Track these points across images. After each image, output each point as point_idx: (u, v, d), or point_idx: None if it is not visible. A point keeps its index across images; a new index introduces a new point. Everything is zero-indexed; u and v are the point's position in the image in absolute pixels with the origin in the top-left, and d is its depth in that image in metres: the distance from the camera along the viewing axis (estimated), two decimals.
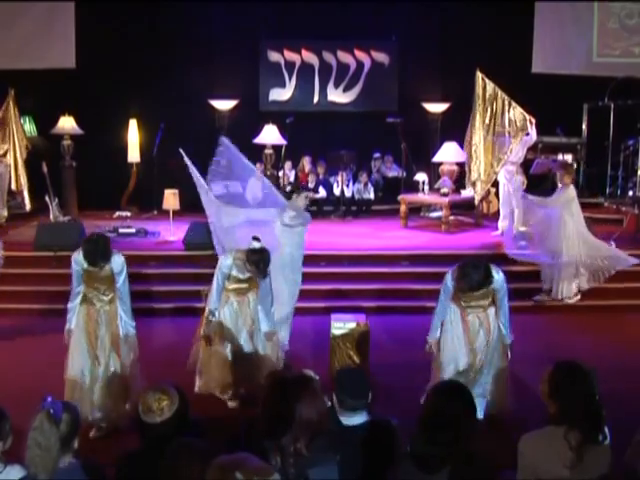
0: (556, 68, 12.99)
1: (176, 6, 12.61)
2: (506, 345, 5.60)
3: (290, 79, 13.41)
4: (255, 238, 5.91)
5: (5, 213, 11.08)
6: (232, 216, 6.87)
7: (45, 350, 7.28)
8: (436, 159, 12.21)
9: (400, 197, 11.68)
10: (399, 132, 12.12)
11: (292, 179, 12.95)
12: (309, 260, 7.44)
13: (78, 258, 5.39)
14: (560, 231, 8.65)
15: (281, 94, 13.45)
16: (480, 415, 5.30)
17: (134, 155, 12.75)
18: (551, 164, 11.26)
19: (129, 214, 12.06)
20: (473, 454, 2.92)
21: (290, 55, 13.36)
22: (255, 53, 13.14)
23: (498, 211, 10.98)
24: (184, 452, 2.70)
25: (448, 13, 13.05)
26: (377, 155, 13.30)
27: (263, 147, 11.94)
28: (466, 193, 11.37)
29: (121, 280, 5.45)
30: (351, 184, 12.65)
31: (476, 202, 11.04)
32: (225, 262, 5.90)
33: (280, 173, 12.33)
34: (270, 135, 11.93)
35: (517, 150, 10.28)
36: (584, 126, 13.08)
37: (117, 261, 5.42)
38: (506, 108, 10.22)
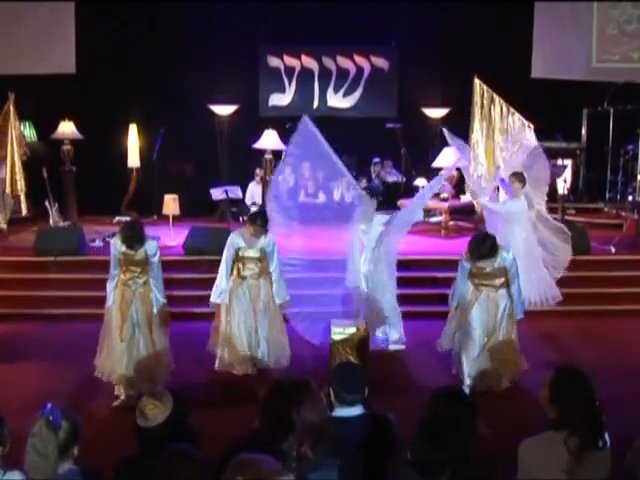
0: (556, 73, 13.02)
1: (176, 7, 12.65)
2: (514, 322, 6.25)
3: (290, 84, 13.43)
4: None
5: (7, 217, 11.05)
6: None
7: (45, 355, 7.29)
8: (436, 164, 12.21)
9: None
10: (399, 137, 12.13)
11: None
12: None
13: (116, 243, 6.07)
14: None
15: (281, 99, 13.48)
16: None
17: (134, 160, 12.75)
18: (551, 169, 11.24)
19: (129, 219, 12.03)
20: (473, 458, 2.91)
21: (290, 60, 13.39)
22: (255, 58, 13.17)
23: None
24: (177, 459, 2.70)
25: (448, 14, 13.08)
26: (377, 160, 13.30)
27: (263, 152, 11.93)
28: (466, 198, 11.37)
29: (155, 261, 6.14)
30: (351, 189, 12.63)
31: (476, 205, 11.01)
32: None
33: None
34: (270, 140, 11.92)
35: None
36: (584, 131, 13.11)
37: (151, 245, 6.14)
38: (504, 114, 10.22)
